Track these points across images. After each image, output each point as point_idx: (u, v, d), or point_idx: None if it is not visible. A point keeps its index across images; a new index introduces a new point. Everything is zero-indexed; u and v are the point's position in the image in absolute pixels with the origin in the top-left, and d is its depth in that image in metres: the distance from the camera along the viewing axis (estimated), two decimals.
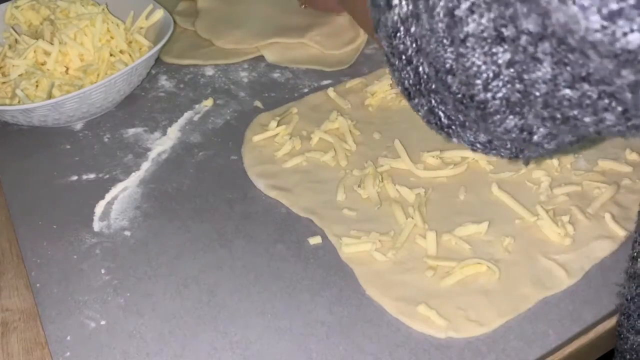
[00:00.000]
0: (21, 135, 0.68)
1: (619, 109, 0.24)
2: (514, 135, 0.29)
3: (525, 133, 0.28)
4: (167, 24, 0.70)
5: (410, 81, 0.31)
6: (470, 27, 0.25)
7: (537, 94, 0.25)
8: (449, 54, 0.27)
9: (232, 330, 0.46)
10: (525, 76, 0.25)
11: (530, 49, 0.24)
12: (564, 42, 0.22)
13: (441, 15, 0.26)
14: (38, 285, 0.51)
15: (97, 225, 0.56)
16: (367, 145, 0.62)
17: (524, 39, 0.24)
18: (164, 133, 0.66)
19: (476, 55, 0.26)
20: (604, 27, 0.20)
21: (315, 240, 0.52)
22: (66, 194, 0.60)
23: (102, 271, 0.52)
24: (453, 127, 0.32)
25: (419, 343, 0.44)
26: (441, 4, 0.26)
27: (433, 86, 0.30)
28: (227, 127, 0.66)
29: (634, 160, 0.57)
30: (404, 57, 0.30)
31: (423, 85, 0.31)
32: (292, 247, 0.52)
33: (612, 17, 0.20)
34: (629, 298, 0.39)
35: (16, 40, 0.70)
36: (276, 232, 0.54)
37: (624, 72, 0.22)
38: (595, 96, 0.24)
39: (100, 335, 0.47)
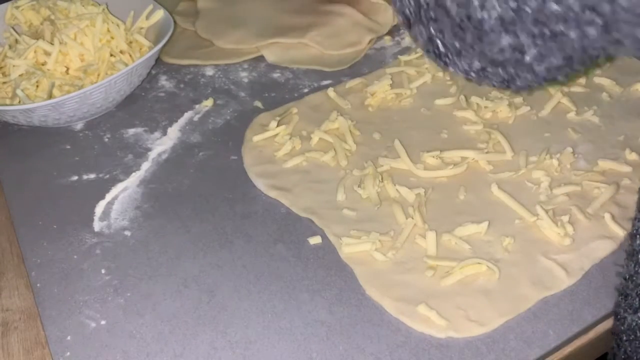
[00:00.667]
0: (21, 135, 0.68)
1: (600, 22, 0.26)
2: (507, 55, 0.31)
3: (517, 52, 0.30)
4: (167, 24, 0.70)
5: (411, 9, 0.33)
6: None
7: (528, 10, 0.28)
8: None
9: (232, 330, 0.46)
10: None
11: None
12: None
13: None
14: (38, 285, 0.51)
15: (97, 225, 0.56)
16: (367, 145, 0.62)
17: None
18: (164, 133, 0.66)
19: None
20: None
21: (315, 240, 0.52)
22: (66, 194, 0.60)
23: (103, 271, 0.52)
24: (449, 55, 0.33)
25: (419, 343, 0.44)
26: None
27: (432, 14, 0.32)
28: (227, 127, 0.66)
29: (634, 160, 0.57)
30: None
31: (423, 13, 0.32)
32: (292, 247, 0.52)
33: None
34: (627, 277, 0.40)
35: (16, 41, 0.70)
36: (276, 232, 0.54)
37: None
38: (578, 9, 0.26)
39: (100, 335, 0.47)
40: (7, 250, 0.55)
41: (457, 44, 0.32)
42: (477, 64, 0.33)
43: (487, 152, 0.59)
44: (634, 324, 0.39)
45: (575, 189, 0.54)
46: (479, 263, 0.48)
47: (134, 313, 0.48)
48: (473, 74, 0.34)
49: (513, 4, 0.28)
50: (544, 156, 0.57)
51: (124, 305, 0.49)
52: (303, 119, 0.65)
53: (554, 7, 0.27)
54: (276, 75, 0.74)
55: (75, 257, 0.53)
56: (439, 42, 0.33)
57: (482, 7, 0.29)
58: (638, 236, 0.39)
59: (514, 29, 0.29)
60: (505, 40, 0.30)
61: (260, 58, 0.76)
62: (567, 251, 0.49)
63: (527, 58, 0.31)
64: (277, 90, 0.71)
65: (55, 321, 0.48)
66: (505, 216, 0.53)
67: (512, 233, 0.51)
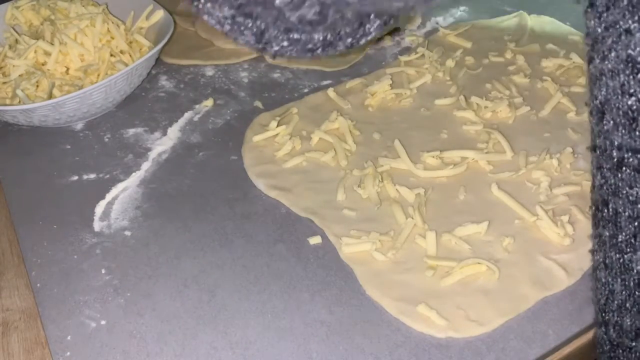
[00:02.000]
0: (21, 135, 0.68)
1: None
2: None
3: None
4: (167, 24, 0.70)
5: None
6: None
7: None
8: None
9: (232, 330, 0.46)
10: None
11: None
12: None
13: None
14: (38, 285, 0.51)
15: (97, 225, 0.56)
16: (367, 145, 0.62)
17: None
18: (164, 133, 0.66)
19: None
20: None
21: (315, 240, 0.52)
22: (66, 194, 0.60)
23: (103, 271, 0.52)
24: (266, 31, 0.30)
25: (419, 343, 0.44)
26: None
27: None
28: (227, 127, 0.66)
29: None
30: None
31: None
32: (292, 247, 0.52)
33: None
34: (594, 292, 0.39)
35: (16, 41, 0.70)
36: (276, 232, 0.54)
37: None
38: None
39: (100, 335, 0.47)
40: (7, 250, 0.55)
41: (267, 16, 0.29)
42: (227, 11, 0.30)
43: (487, 152, 0.59)
44: (600, 337, 0.38)
45: (575, 189, 0.54)
46: (479, 263, 0.48)
47: (134, 313, 0.48)
48: (227, 26, 0.31)
49: None
50: (543, 156, 0.57)
51: (124, 305, 0.49)
52: (303, 119, 0.65)
53: None
54: (276, 75, 0.74)
55: (75, 257, 0.53)
56: (254, 27, 0.30)
57: None
58: (594, 252, 0.38)
59: None
60: None
61: (261, 58, 0.76)
62: (567, 251, 0.49)
63: (277, 0, 0.27)
64: (277, 90, 0.71)
65: (55, 321, 0.48)
66: (505, 216, 0.53)
67: (512, 233, 0.51)
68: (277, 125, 0.63)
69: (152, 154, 0.64)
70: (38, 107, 0.60)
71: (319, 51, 0.31)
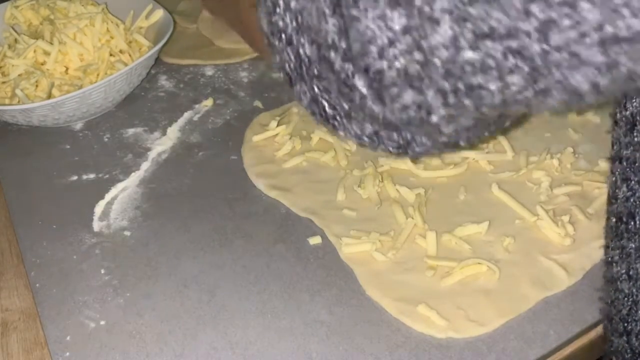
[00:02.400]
0: (21, 135, 0.68)
1: (526, 68, 0.22)
2: (412, 113, 0.26)
3: (423, 111, 0.26)
4: (167, 24, 0.70)
5: (292, 65, 0.29)
6: None
7: (438, 62, 0.23)
8: (331, 26, 0.25)
9: (232, 331, 0.46)
10: (424, 43, 0.23)
11: (427, 9, 0.22)
12: None
13: None
14: (38, 285, 0.51)
15: (96, 225, 0.56)
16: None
17: (418, 1, 0.22)
18: (164, 133, 0.66)
19: (369, 18, 0.24)
20: None
21: (315, 240, 0.52)
22: (66, 194, 0.60)
23: (102, 271, 0.52)
24: (338, 117, 0.29)
25: (419, 343, 0.44)
26: None
27: (315, 71, 0.28)
28: (227, 127, 0.66)
29: None
30: (283, 36, 0.28)
31: (305, 69, 0.28)
32: (292, 247, 0.52)
33: None
34: (609, 302, 0.39)
35: (16, 40, 0.70)
36: (276, 232, 0.54)
37: (534, 8, 0.20)
38: (499, 56, 0.22)
39: (100, 335, 0.47)
40: (6, 250, 0.55)
41: (345, 105, 0.28)
42: (369, 128, 0.29)
43: (487, 152, 0.58)
44: (620, 346, 0.38)
45: (576, 189, 0.54)
46: (479, 263, 0.48)
47: (134, 313, 0.48)
48: (366, 139, 0.30)
49: (419, 56, 0.24)
50: (544, 156, 0.57)
51: (124, 305, 0.49)
52: (303, 119, 0.65)
53: (470, 55, 0.23)
54: (276, 75, 0.74)
55: (74, 257, 0.53)
56: (325, 102, 0.29)
57: (381, 55, 0.24)
58: (614, 263, 0.38)
59: (420, 87, 0.25)
60: (410, 96, 0.25)
61: (261, 58, 0.76)
62: (567, 251, 0.49)
63: (434, 118, 0.26)
64: (277, 90, 0.71)
65: (55, 321, 0.48)
66: (506, 216, 0.53)
67: (513, 233, 0.51)
68: (277, 125, 0.63)
69: (152, 154, 0.64)
70: (37, 107, 0.60)
71: (462, 145, 0.30)
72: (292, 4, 0.27)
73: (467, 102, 0.25)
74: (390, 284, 0.48)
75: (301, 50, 0.28)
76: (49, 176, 0.62)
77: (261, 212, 0.56)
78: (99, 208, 0.58)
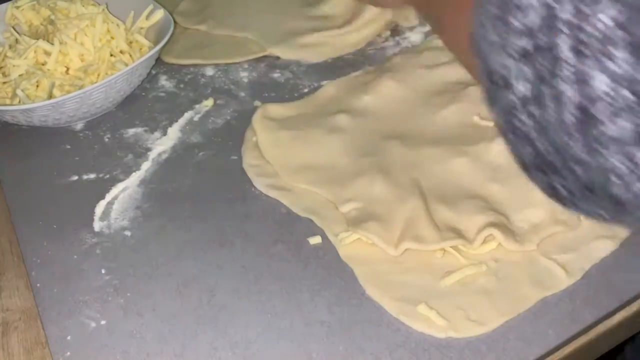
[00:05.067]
0: (21, 135, 0.68)
1: None
2: None
3: None
4: (167, 24, 0.70)
5: (530, 157, 0.29)
6: (609, 130, 0.23)
7: None
8: (579, 147, 0.25)
9: (232, 330, 0.46)
10: None
11: None
12: None
13: (572, 109, 0.24)
14: (38, 285, 0.51)
15: (97, 225, 0.56)
16: None
17: None
18: (164, 133, 0.66)
19: (615, 156, 0.24)
20: None
21: (315, 240, 0.52)
22: (66, 194, 0.60)
23: (103, 271, 0.52)
24: (574, 200, 0.29)
25: (419, 343, 0.44)
26: (572, 99, 0.24)
27: (556, 166, 0.28)
28: (227, 127, 0.66)
29: None
30: (523, 135, 0.28)
31: (543, 163, 0.28)
32: (292, 247, 0.52)
33: None
34: None
35: (16, 40, 0.70)
36: (276, 232, 0.54)
37: None
38: None
39: (100, 335, 0.47)
40: (7, 250, 0.55)
41: (585, 204, 0.28)
42: (601, 212, 0.29)
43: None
44: None
45: None
46: (479, 263, 0.48)
47: (134, 313, 0.48)
48: (601, 218, 0.30)
49: None
50: None
51: (124, 305, 0.49)
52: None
53: None
54: (276, 75, 0.74)
55: (75, 257, 0.53)
56: (560, 188, 0.29)
57: (626, 188, 0.24)
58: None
59: None
60: None
61: (260, 58, 0.76)
62: (567, 251, 0.49)
63: None
64: (277, 90, 0.71)
65: (56, 321, 0.48)
66: None
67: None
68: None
69: (152, 154, 0.64)
70: (38, 107, 0.60)
71: None
72: (534, 111, 0.26)
73: None
74: (390, 284, 0.48)
75: (541, 147, 0.27)
76: (49, 176, 0.62)
77: (261, 212, 0.56)
78: (99, 208, 0.58)
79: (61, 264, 0.53)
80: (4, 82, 0.67)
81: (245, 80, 0.73)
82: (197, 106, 0.70)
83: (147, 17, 0.73)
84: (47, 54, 0.67)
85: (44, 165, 0.63)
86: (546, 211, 0.50)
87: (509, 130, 0.29)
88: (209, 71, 0.75)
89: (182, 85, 0.73)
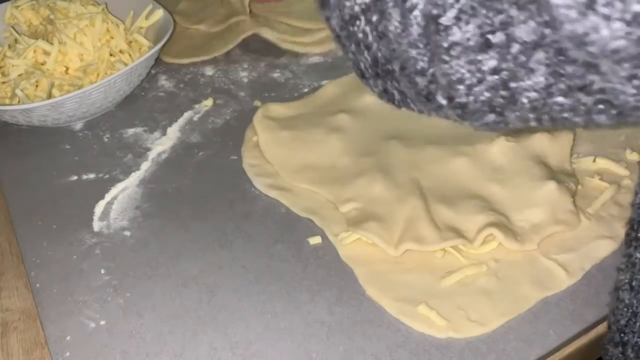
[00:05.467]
0: (21, 135, 0.68)
1: (614, 112, 0.23)
2: (491, 125, 0.27)
3: (502, 124, 0.27)
4: (167, 24, 0.70)
5: (367, 64, 0.28)
6: (457, 36, 0.23)
7: (525, 100, 0.24)
8: (422, 57, 0.25)
9: (232, 331, 0.46)
10: (513, 84, 0.24)
11: (522, 57, 0.23)
12: (563, 53, 0.21)
13: (419, 19, 0.24)
14: (38, 285, 0.51)
15: (96, 225, 0.56)
16: None
17: (515, 48, 0.22)
18: (164, 133, 0.66)
19: (460, 63, 0.24)
20: (628, 33, 0.19)
21: (315, 240, 0.52)
22: (66, 194, 0.60)
23: (102, 271, 0.52)
24: (408, 103, 0.29)
25: (419, 343, 0.44)
26: (420, 7, 0.24)
27: (394, 73, 0.27)
28: (227, 127, 0.66)
29: (634, 160, 0.57)
30: (362, 44, 0.28)
31: (381, 69, 0.28)
32: (292, 247, 0.52)
33: (636, 19, 0.19)
34: (611, 310, 0.39)
35: (16, 40, 0.70)
36: (276, 232, 0.54)
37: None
38: (591, 103, 0.23)
39: (100, 335, 0.47)
40: (6, 250, 0.55)
41: (420, 105, 0.28)
42: (439, 111, 0.29)
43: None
44: (615, 357, 0.38)
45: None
46: (479, 263, 0.48)
47: (134, 313, 0.48)
48: (431, 113, 0.29)
49: (505, 93, 0.24)
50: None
51: (124, 305, 0.49)
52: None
53: (561, 99, 0.23)
54: (276, 75, 0.74)
55: (74, 257, 0.53)
56: (396, 93, 0.29)
57: (468, 94, 0.25)
58: (620, 271, 0.37)
59: (502, 112, 0.25)
60: (491, 118, 0.26)
61: (260, 58, 0.76)
62: (567, 251, 0.49)
63: (512, 126, 0.27)
64: (277, 90, 0.71)
65: (55, 321, 0.48)
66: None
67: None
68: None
69: (152, 154, 0.64)
70: (37, 107, 0.60)
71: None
72: (374, 19, 0.26)
73: (548, 124, 0.26)
74: (390, 284, 0.48)
75: (380, 55, 0.27)
76: (49, 176, 0.62)
77: (261, 212, 0.56)
78: (99, 208, 0.58)
79: (60, 264, 0.52)
80: (3, 82, 0.67)
81: (245, 80, 0.73)
82: (196, 106, 0.70)
83: (147, 17, 0.73)
84: (47, 53, 0.67)
85: (43, 165, 0.63)
86: (546, 211, 0.50)
87: (346, 38, 0.28)
88: (209, 71, 0.75)
89: (181, 85, 0.73)
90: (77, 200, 0.58)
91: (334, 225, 0.53)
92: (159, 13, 0.73)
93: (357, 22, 0.27)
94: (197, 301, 0.49)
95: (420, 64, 0.25)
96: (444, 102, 0.26)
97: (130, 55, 0.70)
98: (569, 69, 0.22)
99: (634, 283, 0.35)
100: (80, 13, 0.70)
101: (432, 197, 0.52)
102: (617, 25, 0.19)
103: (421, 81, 0.26)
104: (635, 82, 0.21)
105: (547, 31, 0.21)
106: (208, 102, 0.70)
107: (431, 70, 0.25)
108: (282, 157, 0.60)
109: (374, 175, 0.55)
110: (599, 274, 0.48)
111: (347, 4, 0.27)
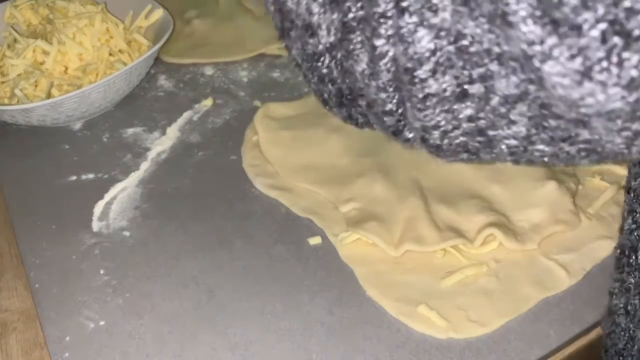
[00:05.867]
0: (20, 135, 0.67)
1: (596, 157, 0.23)
2: (464, 160, 0.26)
3: (477, 161, 0.26)
4: (167, 24, 0.70)
5: (331, 95, 0.27)
6: (432, 88, 0.22)
7: (504, 147, 0.23)
8: (390, 100, 0.24)
9: (232, 331, 0.46)
10: (491, 132, 0.23)
11: (502, 109, 0.22)
12: (548, 109, 0.20)
13: (389, 65, 0.23)
14: (37, 285, 0.51)
15: (96, 226, 0.56)
16: None
17: (494, 100, 0.21)
18: (163, 133, 0.66)
19: (436, 112, 0.23)
20: (624, 97, 0.19)
21: (315, 241, 0.52)
22: (65, 194, 0.59)
23: (101, 271, 0.51)
24: (374, 126, 0.28)
25: (420, 344, 0.44)
26: (390, 54, 0.22)
27: (360, 106, 0.26)
28: (227, 127, 0.66)
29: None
30: (326, 78, 0.26)
31: (346, 99, 0.27)
32: (292, 247, 0.52)
33: (632, 84, 0.19)
34: (607, 333, 0.38)
35: (15, 40, 0.70)
36: (276, 232, 0.54)
37: (633, 127, 0.20)
38: (574, 152, 0.22)
39: (99, 335, 0.47)
40: (5, 251, 0.55)
41: (390, 138, 0.27)
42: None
43: None
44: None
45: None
46: (479, 263, 0.48)
47: (133, 313, 0.48)
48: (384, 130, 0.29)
49: (482, 139, 0.23)
50: None
51: (123, 305, 0.49)
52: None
53: (542, 147, 0.23)
54: (276, 74, 0.73)
55: (74, 257, 0.53)
56: (361, 118, 0.28)
57: (442, 139, 0.24)
58: (614, 296, 0.37)
59: (477, 153, 0.25)
60: (464, 156, 0.25)
61: (260, 57, 0.76)
62: (568, 251, 0.49)
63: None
64: (277, 90, 0.71)
65: (54, 322, 0.48)
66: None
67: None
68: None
69: (151, 154, 0.63)
70: (36, 107, 0.60)
71: None
72: (339, 57, 0.25)
73: (525, 165, 0.25)
74: (390, 284, 0.48)
75: (345, 90, 0.26)
76: (48, 176, 0.62)
77: (261, 212, 0.56)
78: (98, 208, 0.57)
79: (60, 265, 0.52)
80: (3, 82, 0.67)
81: (245, 79, 0.73)
82: (196, 106, 0.69)
83: (146, 17, 0.73)
84: (46, 53, 0.67)
85: (43, 165, 0.63)
86: (547, 211, 0.50)
87: (309, 70, 0.27)
88: (208, 70, 0.75)
89: (181, 85, 0.73)
90: (77, 201, 0.58)
91: (334, 225, 0.53)
92: (159, 12, 0.72)
93: (322, 59, 0.26)
94: (197, 301, 0.48)
95: (389, 106, 0.24)
96: (414, 139, 0.25)
97: (129, 55, 0.70)
98: (554, 122, 0.21)
99: (629, 308, 0.35)
100: (79, 13, 0.70)
101: (433, 197, 0.52)
102: (614, 90, 0.19)
103: (389, 120, 0.25)
104: (625, 133, 0.21)
105: (531, 87, 0.20)
106: (208, 102, 0.70)
107: (400, 111, 0.24)
108: (282, 157, 0.60)
109: (374, 175, 0.55)
110: (600, 274, 0.48)
111: (311, 41, 0.25)
